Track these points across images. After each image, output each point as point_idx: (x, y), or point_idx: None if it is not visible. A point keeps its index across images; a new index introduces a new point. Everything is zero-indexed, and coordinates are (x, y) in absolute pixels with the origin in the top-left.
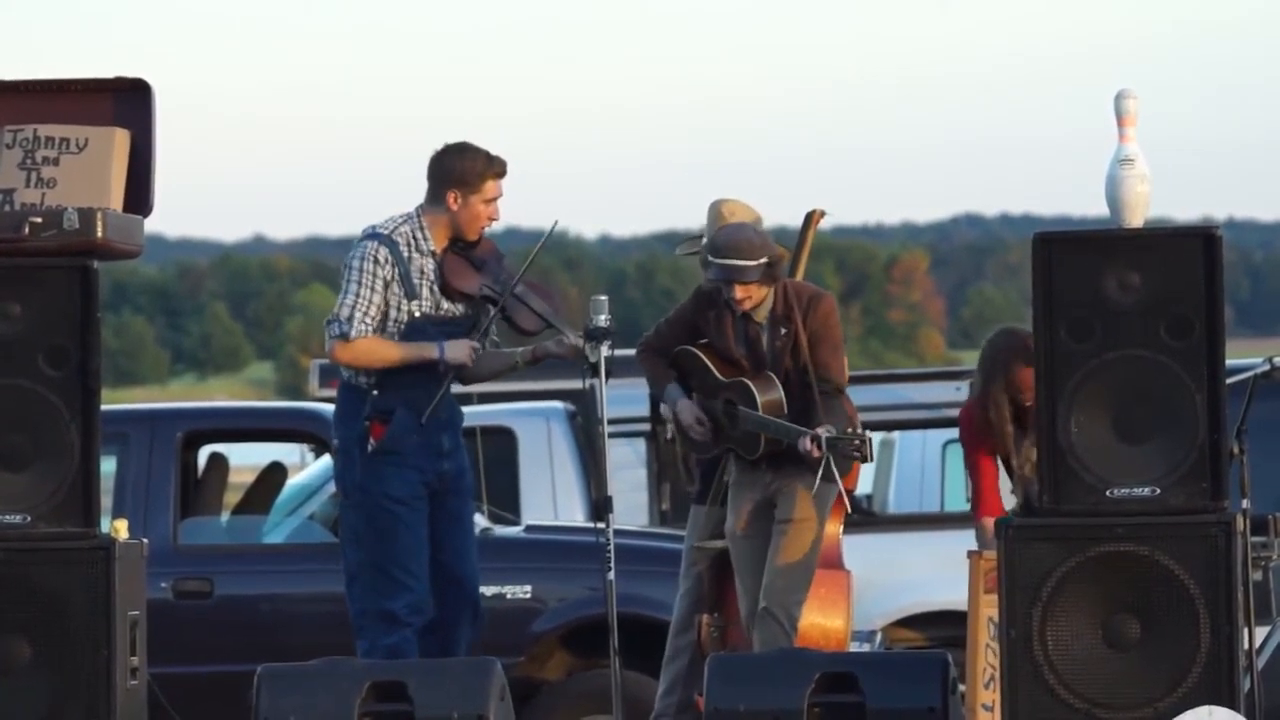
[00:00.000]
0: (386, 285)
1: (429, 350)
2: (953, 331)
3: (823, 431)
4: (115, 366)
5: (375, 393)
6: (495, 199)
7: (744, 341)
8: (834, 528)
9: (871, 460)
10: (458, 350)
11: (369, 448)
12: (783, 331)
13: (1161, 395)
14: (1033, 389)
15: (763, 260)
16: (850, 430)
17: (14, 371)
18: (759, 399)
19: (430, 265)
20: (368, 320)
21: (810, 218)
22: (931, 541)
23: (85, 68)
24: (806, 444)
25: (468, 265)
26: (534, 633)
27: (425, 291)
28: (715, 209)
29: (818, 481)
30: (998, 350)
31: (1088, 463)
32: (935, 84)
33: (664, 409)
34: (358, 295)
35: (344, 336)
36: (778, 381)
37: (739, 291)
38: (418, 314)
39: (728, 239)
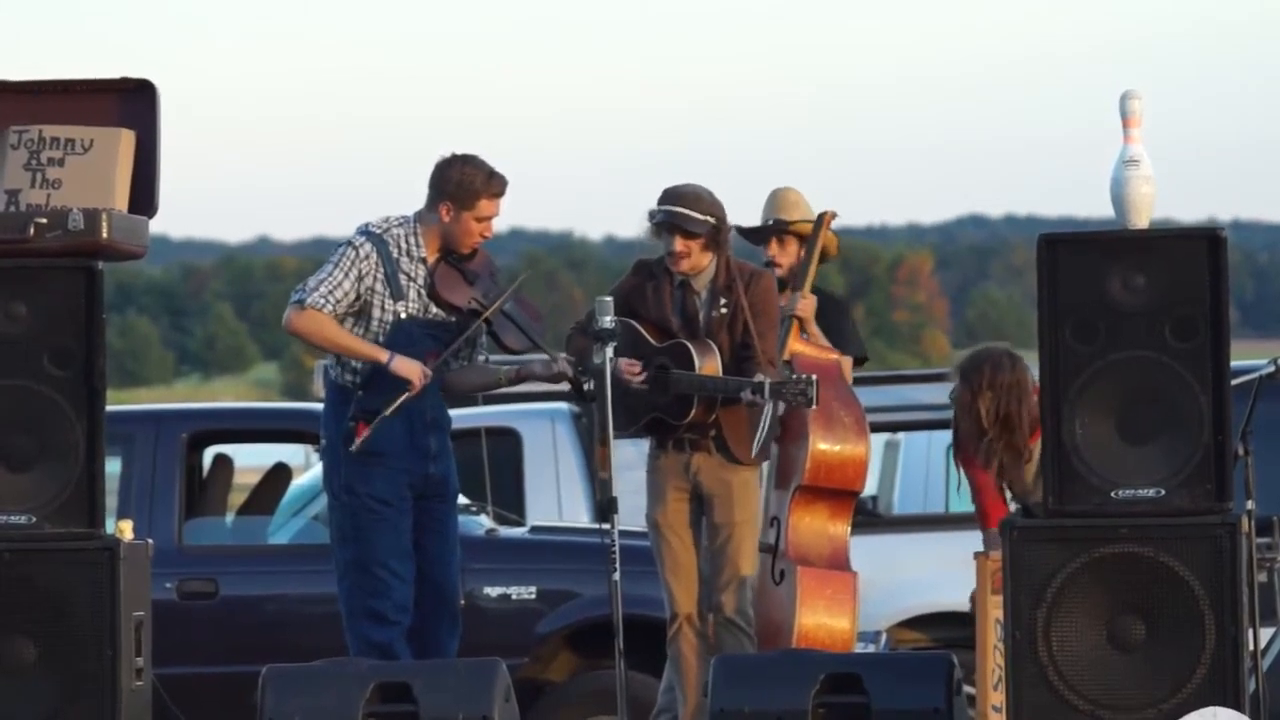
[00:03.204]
0: (360, 279)
1: (379, 353)
2: (957, 333)
3: (764, 378)
4: (120, 367)
5: (361, 393)
6: (490, 217)
7: (680, 312)
8: (842, 528)
9: (816, 404)
10: (409, 367)
11: (353, 447)
12: (723, 302)
13: (1166, 396)
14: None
15: (708, 217)
16: (793, 376)
17: (19, 372)
18: (697, 362)
19: (421, 272)
20: (331, 299)
21: (821, 219)
22: (936, 542)
23: (89, 68)
24: (749, 394)
25: (459, 277)
26: (539, 634)
27: (413, 294)
28: (776, 195)
29: (763, 433)
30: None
31: (1092, 464)
32: (939, 84)
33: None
34: (330, 274)
35: (300, 303)
36: (716, 349)
37: (679, 244)
38: (404, 315)
39: (677, 188)
